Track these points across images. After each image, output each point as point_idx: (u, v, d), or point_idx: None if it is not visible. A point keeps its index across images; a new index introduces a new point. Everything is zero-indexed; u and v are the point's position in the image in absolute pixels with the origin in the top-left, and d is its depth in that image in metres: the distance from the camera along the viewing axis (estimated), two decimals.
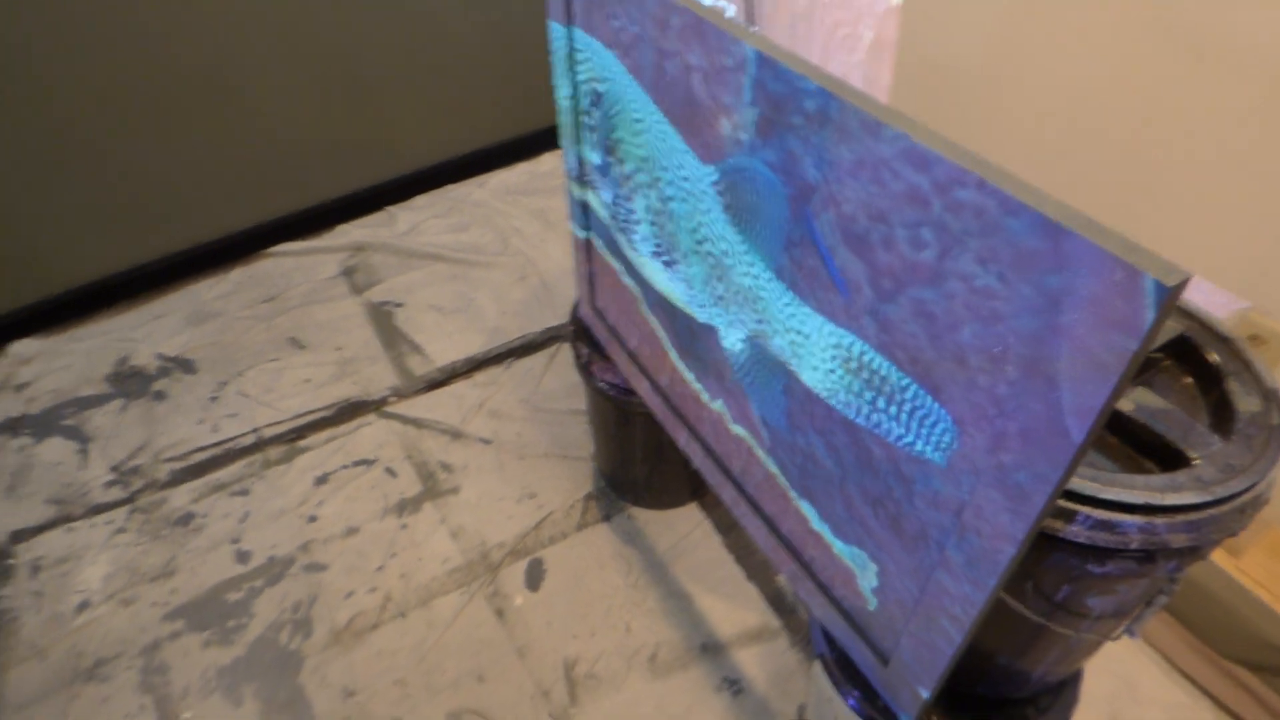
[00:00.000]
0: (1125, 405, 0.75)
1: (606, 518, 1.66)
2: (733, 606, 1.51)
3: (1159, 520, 0.67)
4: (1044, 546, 0.72)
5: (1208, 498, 0.67)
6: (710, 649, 1.45)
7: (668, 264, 0.96)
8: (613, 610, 1.51)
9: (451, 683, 1.42)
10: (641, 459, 1.58)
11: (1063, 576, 0.75)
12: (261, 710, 1.39)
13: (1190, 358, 0.82)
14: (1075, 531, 0.69)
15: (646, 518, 1.66)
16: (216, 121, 2.12)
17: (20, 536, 1.68)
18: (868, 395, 0.68)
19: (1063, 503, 0.69)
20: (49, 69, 1.85)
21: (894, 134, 0.56)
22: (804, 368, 0.76)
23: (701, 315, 0.94)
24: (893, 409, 0.66)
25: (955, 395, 0.60)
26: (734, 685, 1.40)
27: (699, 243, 0.86)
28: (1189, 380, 0.82)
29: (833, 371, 0.72)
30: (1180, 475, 0.69)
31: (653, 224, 0.96)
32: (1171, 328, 0.82)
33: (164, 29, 1.93)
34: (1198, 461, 0.71)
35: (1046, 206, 0.51)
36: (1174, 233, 1.27)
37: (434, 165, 2.53)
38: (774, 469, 0.90)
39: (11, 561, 1.63)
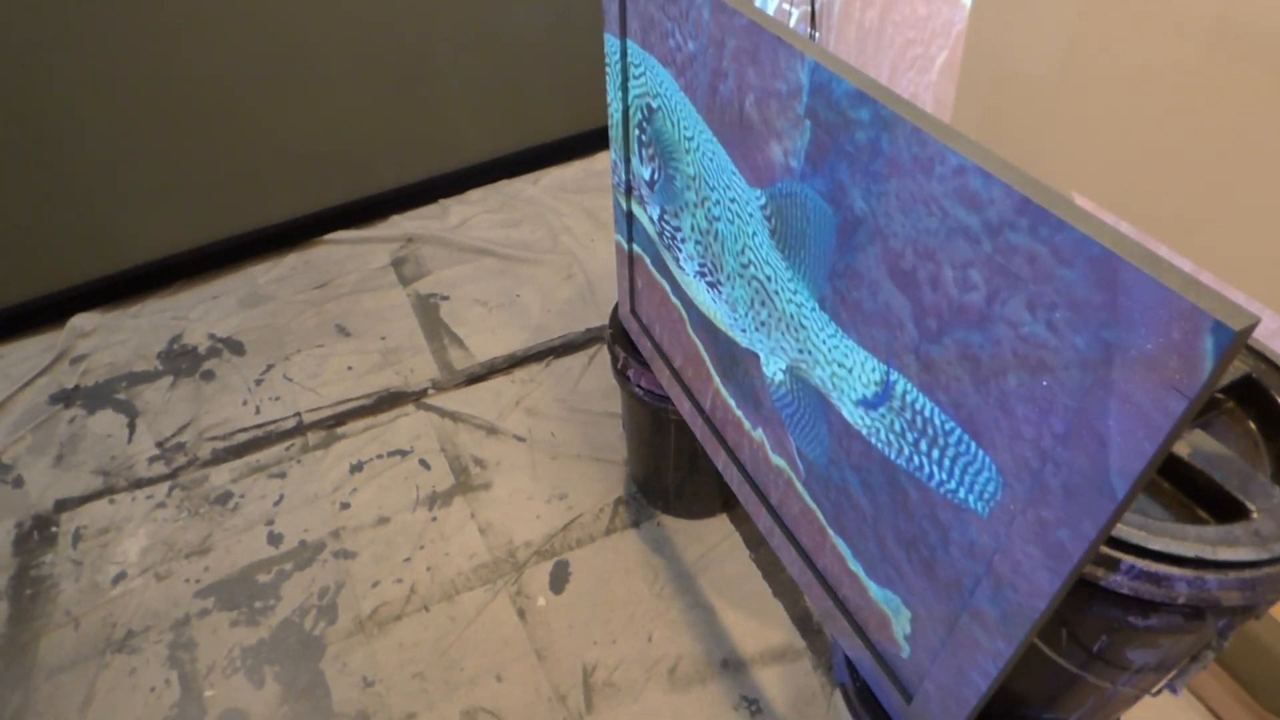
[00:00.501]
0: (1181, 449, 0.72)
1: (635, 524, 1.66)
2: (757, 623, 1.49)
3: (1210, 575, 0.64)
4: (1083, 594, 0.69)
5: (1264, 555, 0.63)
6: (731, 665, 1.43)
7: (712, 285, 0.95)
8: (635, 618, 1.51)
9: (469, 680, 1.43)
10: (674, 466, 1.57)
11: (1102, 627, 0.72)
12: (281, 694, 1.42)
13: (1255, 400, 0.78)
14: (1118, 581, 0.66)
15: (676, 526, 1.65)
16: (279, 110, 2.16)
17: (65, 505, 1.73)
18: (910, 436, 0.66)
19: (1106, 550, 0.66)
20: (126, 52, 1.91)
21: (946, 170, 0.54)
22: (845, 402, 0.74)
23: (743, 340, 0.93)
24: (935, 452, 0.64)
25: (998, 443, 0.58)
26: (753, 705, 1.38)
27: (744, 266, 0.84)
28: (1252, 425, 0.78)
29: (875, 408, 0.70)
30: (1236, 528, 0.66)
31: (698, 243, 0.94)
32: (1237, 367, 0.78)
33: (233, 16, 1.98)
34: (1256, 514, 0.67)
35: (1103, 236, 0.49)
36: (1252, 256, 1.21)
37: (490, 160, 2.55)
38: (810, 503, 0.89)
39: (55, 529, 1.69)
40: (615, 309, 1.50)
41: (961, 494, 0.63)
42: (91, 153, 2.01)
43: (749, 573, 1.57)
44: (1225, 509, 0.70)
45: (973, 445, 0.60)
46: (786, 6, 2.12)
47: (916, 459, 0.67)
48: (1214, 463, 0.70)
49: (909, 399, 0.65)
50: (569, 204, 2.48)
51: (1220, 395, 0.79)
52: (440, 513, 1.69)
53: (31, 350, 2.09)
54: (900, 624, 0.79)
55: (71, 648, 1.50)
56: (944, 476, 0.64)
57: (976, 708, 0.75)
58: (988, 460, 0.59)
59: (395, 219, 2.45)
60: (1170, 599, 0.65)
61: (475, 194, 2.53)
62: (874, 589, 0.82)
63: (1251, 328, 0.45)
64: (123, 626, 1.53)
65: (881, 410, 0.69)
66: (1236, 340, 0.45)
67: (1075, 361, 0.51)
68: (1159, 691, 0.84)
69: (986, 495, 0.60)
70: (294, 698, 1.42)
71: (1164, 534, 0.66)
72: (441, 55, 2.29)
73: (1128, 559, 0.65)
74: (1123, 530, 0.66)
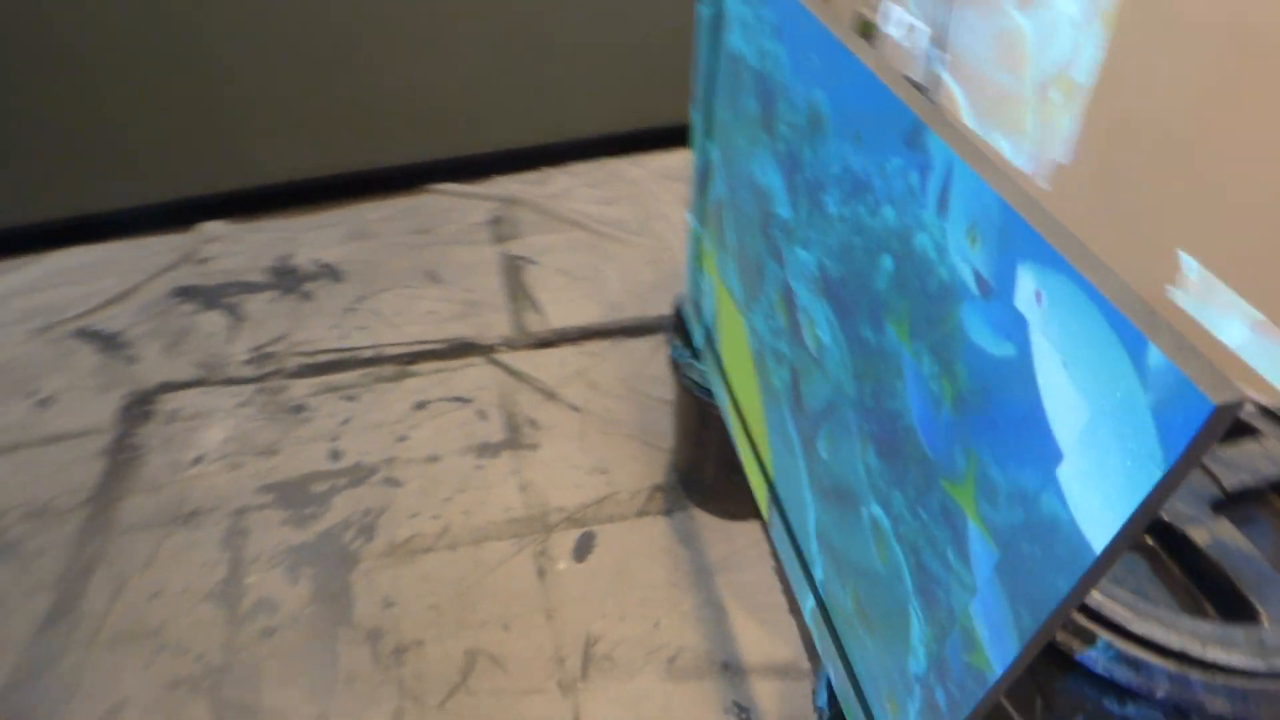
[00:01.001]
0: (1200, 536, 0.67)
1: (668, 512, 1.67)
2: (766, 634, 1.48)
3: (1195, 675, 0.60)
4: (1058, 663, 0.66)
5: (1261, 666, 0.59)
6: (731, 669, 1.43)
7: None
8: (647, 602, 1.52)
9: (479, 622, 1.48)
10: (713, 462, 1.57)
11: (1075, 705, 0.69)
12: (311, 594, 1.52)
13: None
14: (1094, 658, 0.63)
15: (707, 522, 1.66)
16: (408, 62, 2.28)
17: (167, 388, 1.90)
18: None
19: (1086, 622, 0.63)
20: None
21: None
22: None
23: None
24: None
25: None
26: (744, 712, 1.38)
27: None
28: None
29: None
30: (1238, 631, 0.61)
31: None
32: None
33: None
34: (1266, 621, 0.62)
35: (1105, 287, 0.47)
36: None
37: (598, 136, 2.60)
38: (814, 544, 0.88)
39: (153, 407, 1.86)
40: (680, 297, 1.51)
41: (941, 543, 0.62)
42: (240, 81, 2.18)
43: (769, 584, 1.56)
44: (1235, 609, 0.65)
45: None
46: (915, 22, 2.05)
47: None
48: (1232, 557, 0.66)
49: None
50: (669, 191, 2.49)
51: (1268, 490, 0.73)
52: (487, 463, 1.76)
53: (165, 246, 2.30)
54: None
55: (147, 513, 1.66)
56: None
57: None
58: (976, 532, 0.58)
59: (500, 179, 2.54)
60: (1148, 690, 0.62)
61: (579, 167, 2.59)
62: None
63: (1235, 406, 0.43)
64: (192, 504, 1.67)
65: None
66: (1216, 416, 0.43)
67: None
68: None
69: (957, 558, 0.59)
70: (321, 601, 1.51)
71: (1152, 618, 0.62)
72: (566, 29, 2.35)
73: (1106, 636, 0.62)
74: (1107, 606, 0.63)
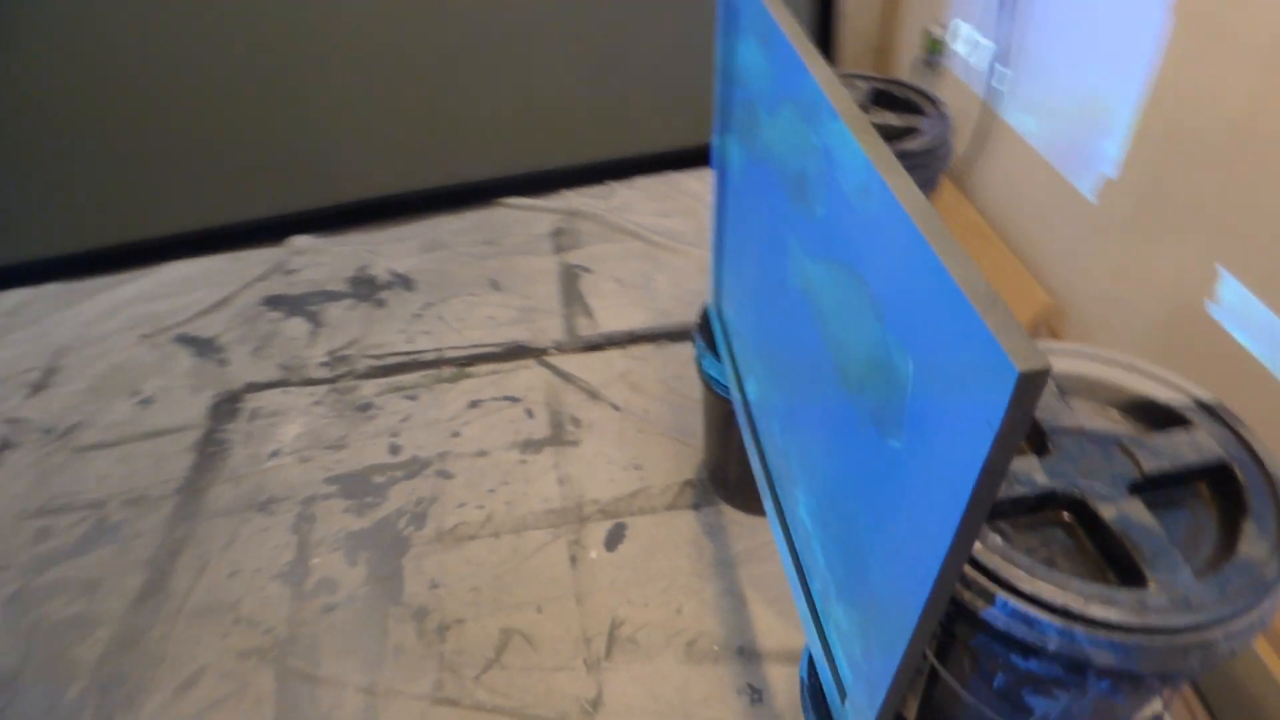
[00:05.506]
0: (1107, 512, 0.70)
1: (696, 506, 1.74)
2: (782, 623, 1.53)
3: (1079, 629, 0.63)
4: (972, 623, 0.70)
5: (1136, 621, 0.62)
6: (746, 653, 1.49)
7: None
8: (671, 590, 1.60)
9: (514, 604, 1.59)
10: (737, 460, 1.63)
11: (993, 662, 0.72)
12: (366, 576, 1.67)
13: (1226, 489, 0.73)
14: (994, 615, 0.67)
15: (733, 517, 1.72)
16: (484, 84, 2.45)
17: (252, 388, 2.12)
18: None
19: (986, 582, 0.67)
20: (363, 28, 2.28)
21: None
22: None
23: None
24: None
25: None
26: (756, 693, 1.43)
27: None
28: (1214, 513, 0.73)
29: None
30: (1121, 592, 0.64)
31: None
32: (1214, 452, 0.74)
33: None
34: (1152, 585, 0.65)
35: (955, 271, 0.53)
36: None
37: (664, 152, 2.70)
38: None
39: (239, 405, 2.08)
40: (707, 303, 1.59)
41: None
42: (328, 107, 2.41)
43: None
44: (1131, 577, 0.68)
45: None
46: (982, 40, 2.06)
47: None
48: (1135, 532, 0.68)
49: None
50: None
51: (1196, 477, 0.74)
52: (530, 458, 1.87)
53: (258, 259, 2.55)
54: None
55: (229, 500, 1.86)
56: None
57: (882, 708, 0.77)
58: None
59: (566, 193, 2.68)
60: (1042, 644, 0.65)
61: (642, 181, 2.70)
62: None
63: (1041, 373, 0.48)
64: (267, 493, 1.86)
65: None
66: (1022, 382, 0.48)
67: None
68: None
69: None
70: (375, 581, 1.66)
71: (1038, 577, 0.66)
72: (634, 50, 2.47)
73: (1002, 595, 0.66)
74: (1003, 568, 0.67)
